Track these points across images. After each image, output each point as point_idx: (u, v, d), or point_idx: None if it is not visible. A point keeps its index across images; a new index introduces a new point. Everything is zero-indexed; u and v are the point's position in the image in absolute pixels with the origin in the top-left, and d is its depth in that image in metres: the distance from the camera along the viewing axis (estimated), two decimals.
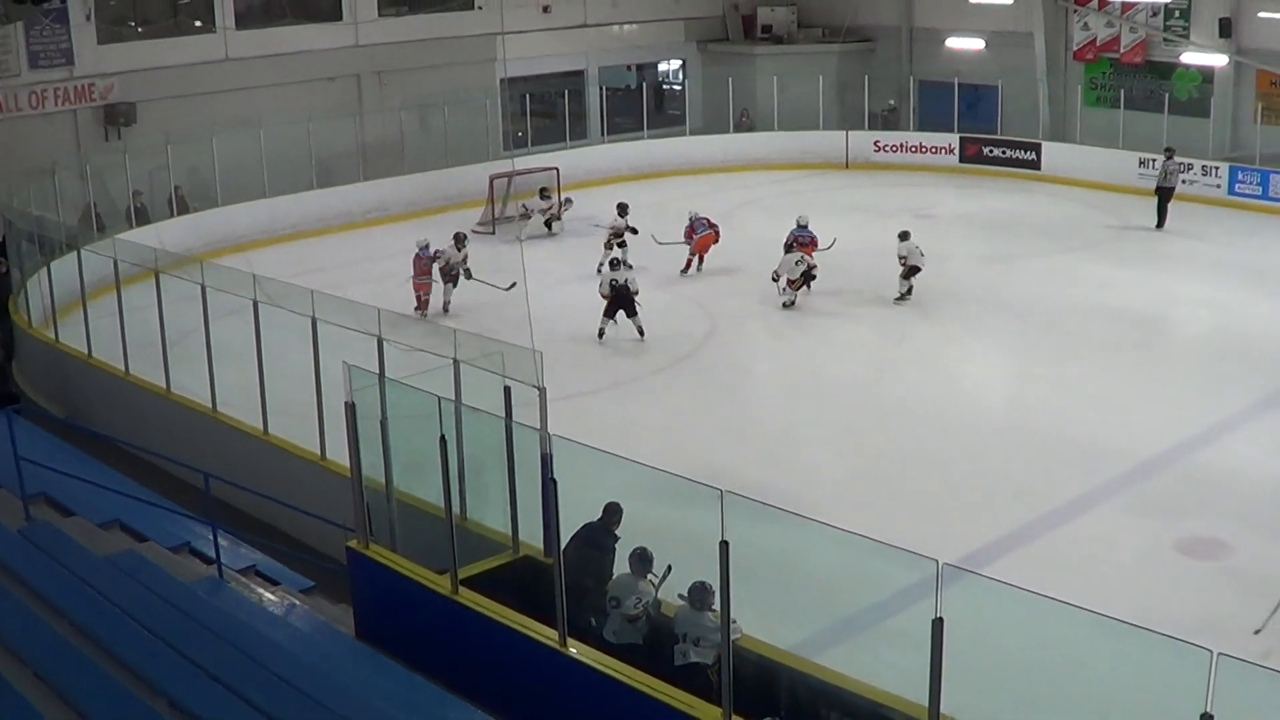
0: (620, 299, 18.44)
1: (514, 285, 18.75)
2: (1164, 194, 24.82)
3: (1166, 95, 28.51)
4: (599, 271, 20.28)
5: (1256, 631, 10.62)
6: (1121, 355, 17.80)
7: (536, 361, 9.23)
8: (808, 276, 20.10)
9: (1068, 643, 6.95)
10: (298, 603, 10.49)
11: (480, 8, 30.20)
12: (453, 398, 9.82)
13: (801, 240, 20.63)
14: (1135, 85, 29.57)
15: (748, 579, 7.53)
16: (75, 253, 17.96)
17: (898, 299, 20.23)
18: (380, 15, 29.17)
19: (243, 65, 26.61)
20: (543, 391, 9.28)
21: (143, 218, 23.51)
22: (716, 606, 7.77)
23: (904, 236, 20.34)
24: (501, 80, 29.16)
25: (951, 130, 30.73)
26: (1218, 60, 28.12)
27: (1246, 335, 18.45)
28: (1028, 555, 12.06)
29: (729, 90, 31.61)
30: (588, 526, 9.06)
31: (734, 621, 7.61)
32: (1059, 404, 15.92)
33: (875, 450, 14.84)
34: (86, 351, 16.67)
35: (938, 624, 6.53)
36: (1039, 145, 29.83)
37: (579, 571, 8.78)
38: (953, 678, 6.66)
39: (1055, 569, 11.40)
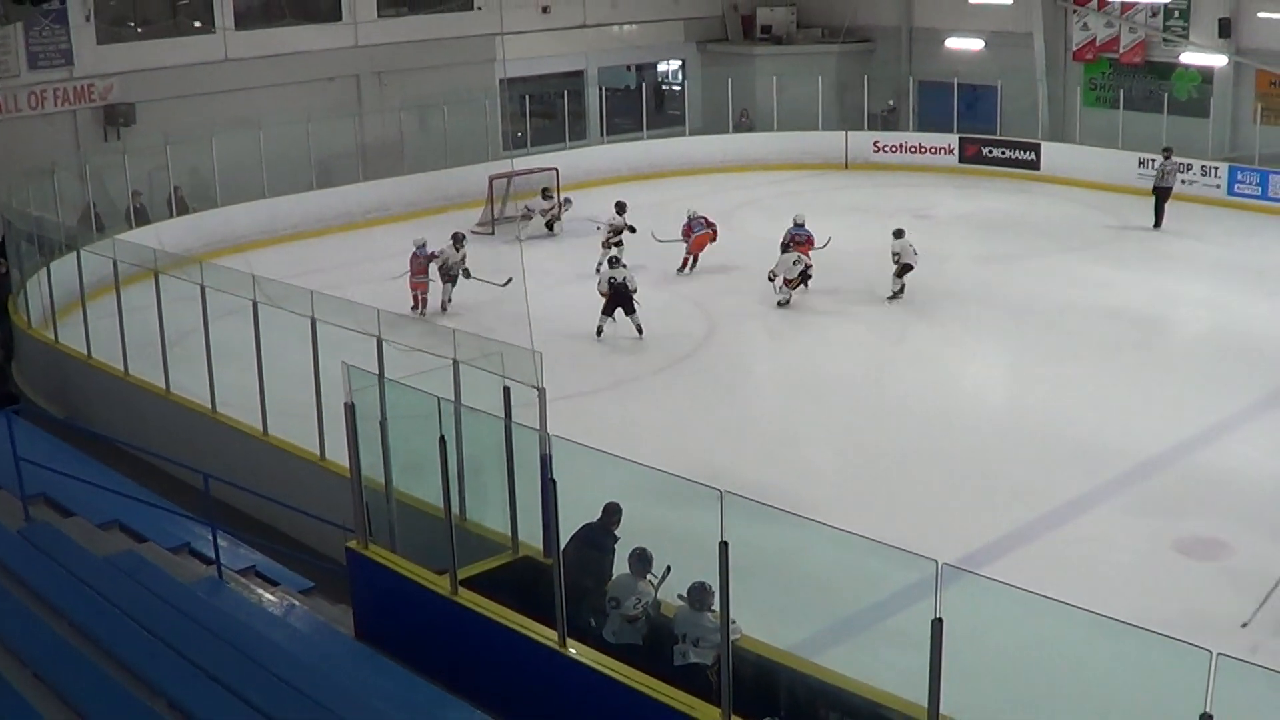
0: (618, 297, 18.50)
1: (509, 281, 18.83)
2: (1161, 194, 24.83)
3: (1166, 95, 28.52)
4: (598, 270, 20.32)
5: (1244, 625, 10.71)
6: (1121, 355, 17.80)
7: (536, 362, 9.23)
8: (804, 276, 20.14)
9: (1067, 643, 6.95)
10: (297, 603, 10.49)
11: (480, 8, 30.20)
12: (452, 398, 9.82)
13: (798, 239, 20.69)
14: (1134, 85, 29.57)
15: (747, 579, 7.53)
16: (75, 253, 17.95)
17: (890, 297, 20.29)
18: (380, 16, 29.17)
19: (242, 66, 26.61)
20: (542, 392, 9.27)
21: (142, 218, 23.52)
22: (716, 607, 7.78)
23: (898, 234, 20.41)
24: (501, 81, 29.15)
25: (951, 130, 30.74)
26: (1217, 60, 28.12)
27: (1246, 335, 18.45)
28: (1027, 555, 12.06)
29: (728, 90, 31.63)
30: (587, 527, 9.06)
31: (733, 622, 7.61)
32: (1058, 404, 15.93)
33: (875, 450, 14.83)
34: (86, 352, 16.66)
35: (937, 624, 6.53)
36: (1038, 145, 29.84)
37: (578, 572, 8.78)
38: (952, 678, 6.66)
39: (1055, 569, 11.40)
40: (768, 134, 31.68)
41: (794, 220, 21.05)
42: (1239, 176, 26.53)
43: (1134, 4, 29.31)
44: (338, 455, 11.71)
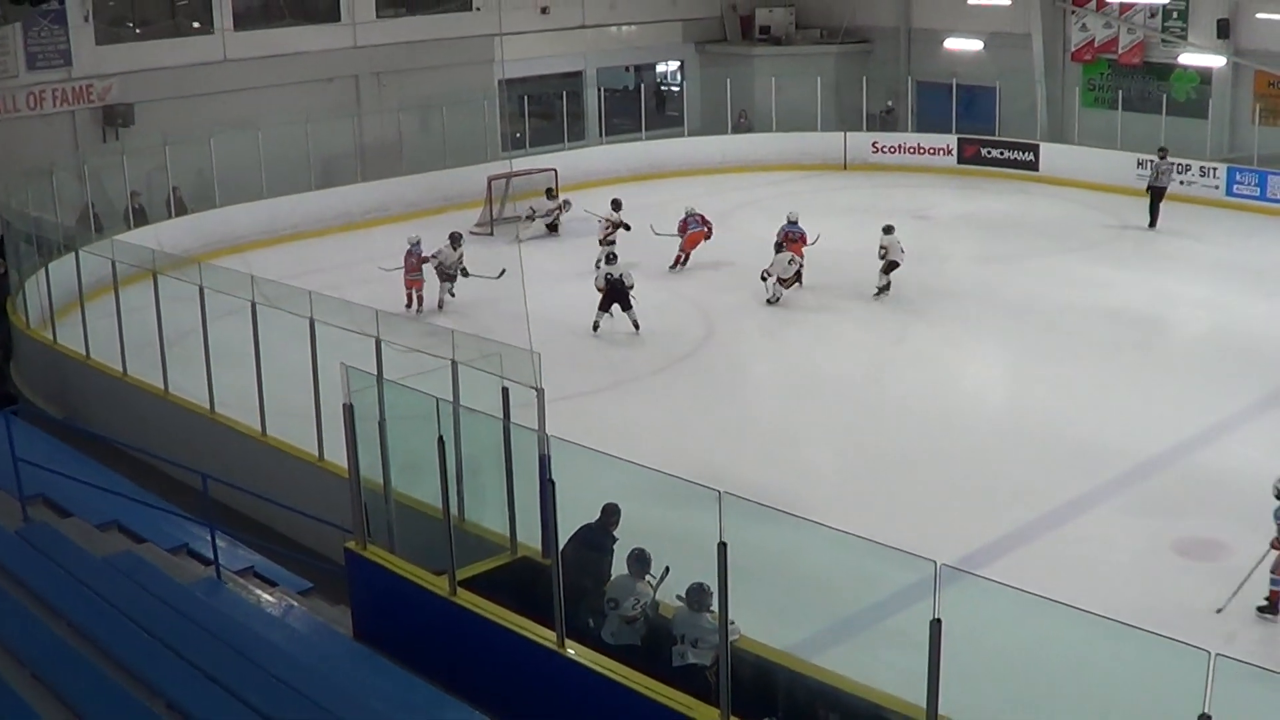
0: (615, 293, 18.63)
1: (504, 272, 18.95)
2: (1156, 193, 24.85)
3: (1164, 96, 28.55)
4: (597, 267, 20.40)
5: (1219, 610, 10.83)
6: (1120, 356, 17.81)
7: (534, 362, 9.23)
8: (798, 275, 20.27)
9: (1066, 643, 6.95)
10: (296, 604, 10.49)
11: (478, 9, 30.21)
12: (451, 399, 9.82)
13: (792, 236, 20.94)
14: (1133, 86, 29.58)
15: (746, 580, 7.52)
16: (73, 254, 17.97)
17: (876, 293, 20.37)
18: (378, 16, 29.17)
19: (241, 66, 26.60)
20: (540, 392, 9.27)
21: (141, 219, 23.53)
22: (714, 607, 7.78)
23: (888, 230, 20.58)
24: (500, 81, 29.14)
25: (949, 131, 30.73)
26: (1216, 61, 28.11)
27: (1245, 336, 18.46)
28: (1026, 556, 12.06)
29: (727, 91, 31.63)
30: (586, 528, 9.06)
31: (732, 623, 7.61)
32: (1058, 404, 15.93)
33: (874, 451, 14.83)
34: (84, 352, 16.66)
35: (935, 625, 6.53)
36: (1037, 146, 29.84)
37: (577, 573, 8.78)
38: (951, 679, 6.66)
39: (1054, 569, 11.41)
40: (766, 135, 31.67)
41: (788, 217, 21.21)
42: (1237, 177, 26.53)
43: (1132, 5, 29.31)
44: (336, 456, 11.71)
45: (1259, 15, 27.41)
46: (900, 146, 31.28)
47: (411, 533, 9.91)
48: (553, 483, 8.48)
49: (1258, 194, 26.18)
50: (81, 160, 23.30)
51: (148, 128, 24.72)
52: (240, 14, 27.21)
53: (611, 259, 19.25)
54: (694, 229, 22.35)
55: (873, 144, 31.36)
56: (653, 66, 35.75)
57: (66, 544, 10.49)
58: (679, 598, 8.30)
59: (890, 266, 20.34)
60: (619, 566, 8.81)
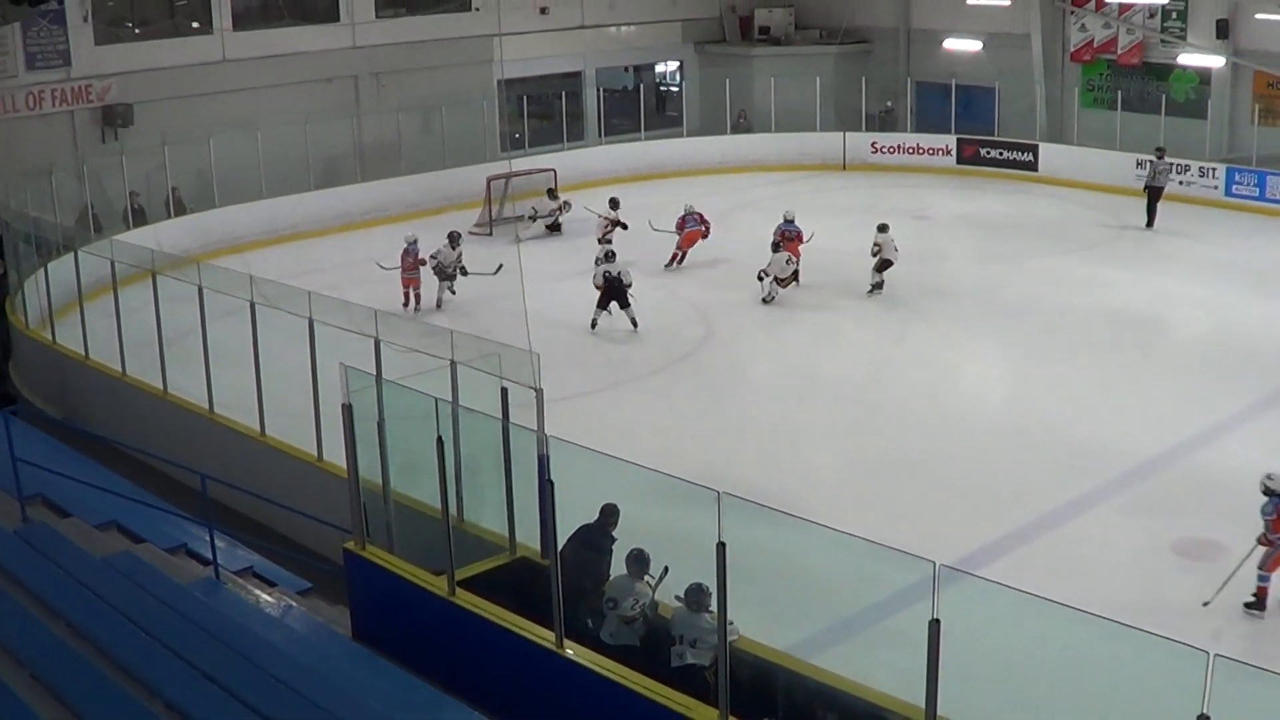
0: (613, 290, 18.68)
1: (500, 267, 19.06)
2: (1154, 193, 24.88)
3: (1164, 96, 28.55)
4: (597, 264, 20.47)
5: (1205, 604, 10.87)
6: (1119, 356, 17.81)
7: (533, 363, 9.23)
8: (795, 275, 20.38)
9: (1064, 644, 6.95)
10: (294, 604, 10.48)
11: (478, 9, 30.19)
12: (450, 399, 9.82)
13: (788, 235, 21.04)
14: (1132, 86, 29.58)
15: (745, 580, 7.53)
16: (72, 254, 17.97)
17: (869, 290, 20.44)
18: (378, 16, 29.15)
19: (240, 66, 26.59)
20: (539, 393, 9.26)
21: (140, 219, 23.53)
22: (713, 608, 7.77)
23: (882, 229, 20.70)
24: (499, 81, 29.11)
25: (949, 131, 30.73)
26: (1215, 61, 28.12)
27: (1244, 336, 18.46)
28: (1025, 556, 12.06)
29: (726, 91, 31.64)
30: (585, 528, 9.06)
31: (731, 623, 7.61)
32: (1057, 405, 15.93)
33: (873, 451, 14.83)
34: (83, 353, 16.66)
35: (934, 625, 6.54)
36: (1036, 147, 29.82)
37: (576, 573, 8.78)
38: (949, 679, 6.66)
39: (1053, 570, 11.42)
40: (766, 135, 31.67)
41: (784, 216, 21.29)
42: (1237, 178, 26.53)
43: (1132, 5, 29.31)
44: (335, 456, 11.70)
45: (1258, 16, 27.41)
46: (899, 147, 31.28)
47: (410, 533, 9.91)
48: (551, 483, 8.48)
49: (1257, 194, 26.18)
50: (80, 160, 23.30)
51: (147, 128, 24.71)
52: (239, 14, 27.20)
53: (610, 257, 19.31)
54: (691, 228, 22.45)
55: (872, 144, 31.35)
56: (652, 67, 35.75)
57: (65, 544, 10.49)
58: (678, 598, 8.30)
59: (884, 265, 20.43)
60: (618, 567, 8.81)
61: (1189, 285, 21.32)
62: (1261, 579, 10.98)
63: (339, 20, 28.59)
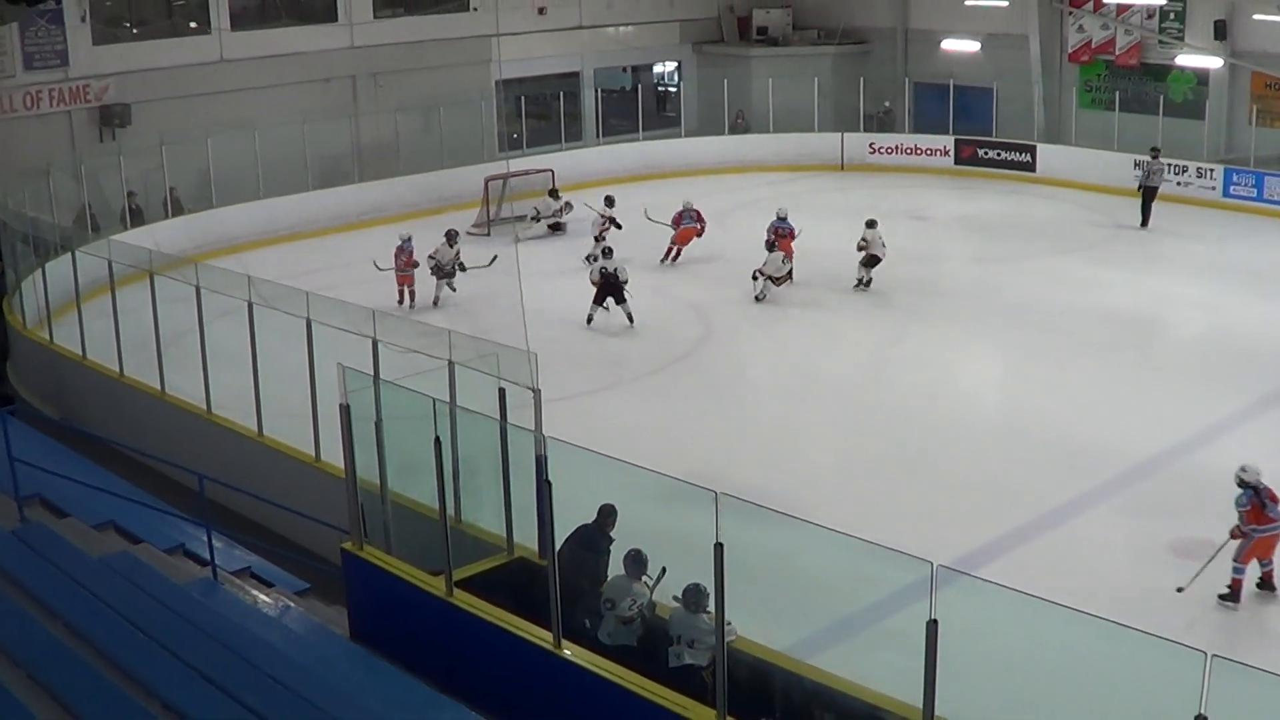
0: (609, 286, 18.76)
1: (495, 259, 19.24)
2: (1149, 193, 24.93)
3: (1161, 97, 28.56)
4: (591, 260, 20.54)
5: (1180, 589, 10.92)
6: (1117, 357, 17.81)
7: (531, 363, 9.22)
8: (789, 273, 20.51)
9: (1062, 644, 6.95)
10: (292, 604, 10.48)
11: (475, 9, 30.19)
12: (447, 399, 9.81)
13: (781, 232, 21.14)
14: (1130, 87, 29.59)
15: (743, 581, 7.52)
16: (70, 254, 17.95)
17: (855, 286, 20.52)
18: (375, 17, 29.14)
19: (238, 67, 26.58)
20: (537, 393, 9.26)
21: (137, 219, 23.52)
22: (711, 608, 7.77)
23: (870, 225, 20.80)
24: (497, 82, 29.12)
25: (947, 132, 30.74)
26: (1213, 62, 28.13)
27: (1242, 337, 18.47)
28: (1024, 556, 12.06)
29: (724, 92, 31.65)
30: (582, 528, 9.06)
31: (729, 623, 7.61)
32: (1055, 405, 15.93)
33: (871, 452, 14.83)
34: (81, 353, 16.65)
35: (932, 626, 6.53)
36: (1034, 147, 29.84)
37: (574, 573, 8.78)
38: (947, 679, 6.66)
39: (1051, 570, 11.42)
40: (763, 135, 31.68)
41: (777, 213, 21.37)
42: (1234, 178, 26.54)
43: (1129, 6, 29.33)
44: (333, 456, 11.69)
45: (1256, 16, 27.42)
46: (897, 147, 31.29)
47: (408, 533, 9.90)
48: (549, 483, 8.48)
49: (1254, 195, 26.20)
50: (78, 160, 23.29)
51: (144, 128, 24.70)
52: (237, 14, 27.19)
53: (607, 254, 19.43)
54: (687, 224, 22.57)
55: (870, 145, 31.36)
56: (650, 67, 35.75)
57: (63, 544, 10.49)
58: (675, 598, 8.30)
59: (871, 261, 20.52)
60: (615, 567, 8.81)
61: (1188, 286, 21.34)
62: (1236, 570, 11.06)
63: (337, 20, 28.58)
